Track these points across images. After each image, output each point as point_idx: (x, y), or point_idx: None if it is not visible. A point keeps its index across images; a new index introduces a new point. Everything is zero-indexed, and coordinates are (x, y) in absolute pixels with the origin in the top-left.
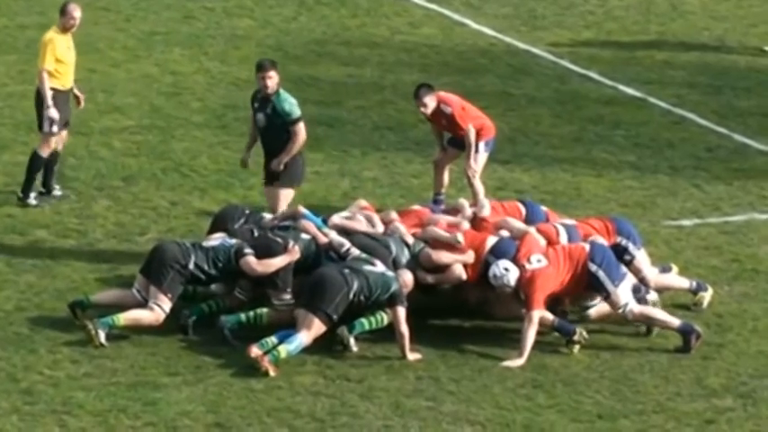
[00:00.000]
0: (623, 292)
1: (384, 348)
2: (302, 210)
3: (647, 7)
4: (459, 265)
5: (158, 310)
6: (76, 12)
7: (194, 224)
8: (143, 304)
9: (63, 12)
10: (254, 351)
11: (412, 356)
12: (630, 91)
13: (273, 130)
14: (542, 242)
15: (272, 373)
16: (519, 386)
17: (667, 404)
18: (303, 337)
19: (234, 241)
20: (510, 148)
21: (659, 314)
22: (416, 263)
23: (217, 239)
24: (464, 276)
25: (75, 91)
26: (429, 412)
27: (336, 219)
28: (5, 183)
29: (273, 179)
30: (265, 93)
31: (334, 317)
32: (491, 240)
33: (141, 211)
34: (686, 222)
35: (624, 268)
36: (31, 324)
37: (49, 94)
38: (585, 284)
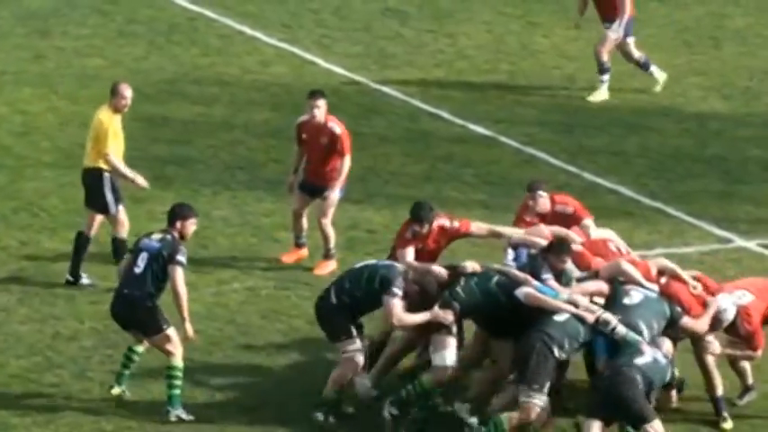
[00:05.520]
0: None
1: (237, 390)
2: (533, 283)
3: (497, 47)
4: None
5: (347, 356)
6: (127, 91)
7: (45, 264)
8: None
9: (114, 92)
10: None
11: None
12: (481, 130)
13: None
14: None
15: None
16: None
17: None
18: None
19: (386, 263)
20: (361, 187)
21: None
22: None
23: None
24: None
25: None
26: None
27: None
28: None
29: None
30: None
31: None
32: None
33: None
34: None
35: None
36: None
37: (127, 172)
38: None
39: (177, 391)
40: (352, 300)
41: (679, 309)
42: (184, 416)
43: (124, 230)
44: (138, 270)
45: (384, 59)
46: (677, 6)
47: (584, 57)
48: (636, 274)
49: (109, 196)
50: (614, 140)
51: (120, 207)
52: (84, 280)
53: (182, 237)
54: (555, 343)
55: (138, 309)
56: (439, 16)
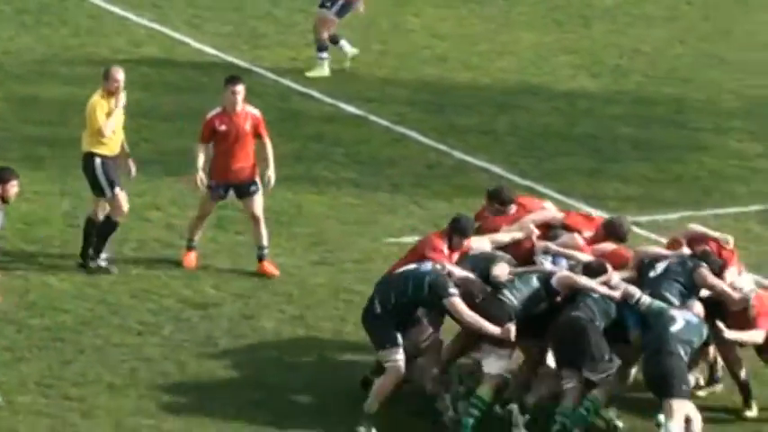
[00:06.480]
0: None
1: (107, 369)
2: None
3: (367, 25)
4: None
5: (390, 365)
6: (119, 74)
7: None
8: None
9: (106, 76)
10: None
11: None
12: (351, 109)
13: None
14: None
15: None
16: (243, 405)
17: None
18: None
19: (429, 267)
20: None
21: None
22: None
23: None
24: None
25: (126, 150)
26: (150, 431)
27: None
28: None
29: None
30: None
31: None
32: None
33: None
34: (407, 239)
35: None
36: None
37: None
38: None
39: None
40: (397, 308)
41: (698, 261)
42: None
43: (120, 213)
44: None
45: (255, 39)
46: None
47: (454, 36)
48: (657, 249)
49: (102, 180)
50: (484, 119)
51: (117, 190)
52: (102, 262)
53: (4, 200)
54: (595, 317)
55: None
56: None
